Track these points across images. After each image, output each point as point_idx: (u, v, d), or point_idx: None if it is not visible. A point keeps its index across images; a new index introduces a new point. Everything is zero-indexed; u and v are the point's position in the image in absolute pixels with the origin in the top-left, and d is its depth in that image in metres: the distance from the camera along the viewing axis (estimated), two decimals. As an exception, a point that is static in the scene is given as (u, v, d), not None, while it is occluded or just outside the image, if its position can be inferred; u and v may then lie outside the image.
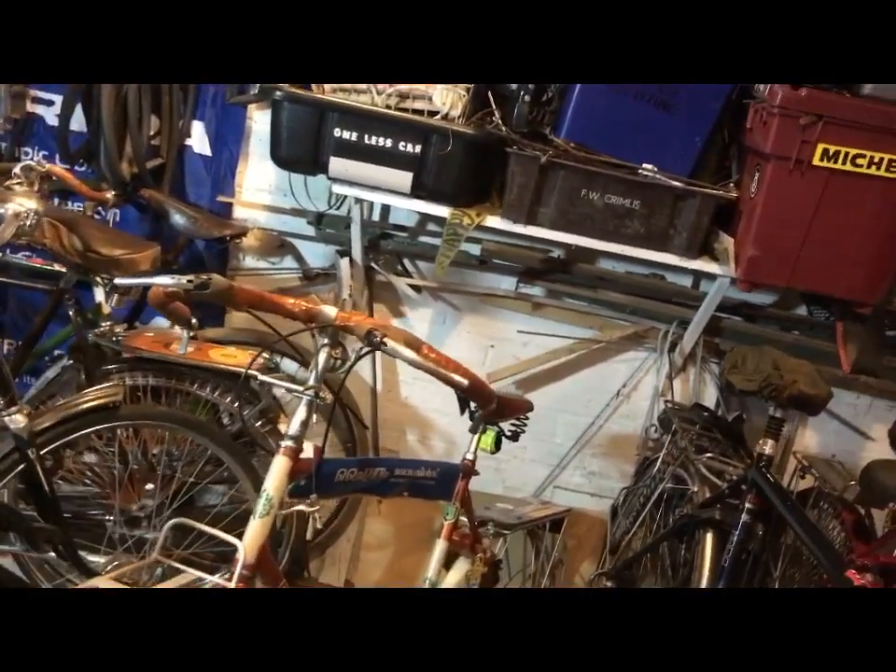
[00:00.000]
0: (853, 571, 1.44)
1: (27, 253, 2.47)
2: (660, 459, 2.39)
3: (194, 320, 2.28)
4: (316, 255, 2.74)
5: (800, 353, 2.42)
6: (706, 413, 2.47)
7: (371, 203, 2.60)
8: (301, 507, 1.45)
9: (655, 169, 2.13)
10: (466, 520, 1.96)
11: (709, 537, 1.99)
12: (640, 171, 2.11)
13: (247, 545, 1.36)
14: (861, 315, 2.08)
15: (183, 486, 2.23)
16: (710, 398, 2.73)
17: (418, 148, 2.14)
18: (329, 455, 2.74)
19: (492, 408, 1.66)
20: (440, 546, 1.84)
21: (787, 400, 1.87)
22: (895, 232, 1.92)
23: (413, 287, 2.66)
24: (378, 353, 2.79)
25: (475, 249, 2.60)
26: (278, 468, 1.42)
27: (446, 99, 2.11)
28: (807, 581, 2.04)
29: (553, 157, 2.11)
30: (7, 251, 2.51)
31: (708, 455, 2.13)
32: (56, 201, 2.65)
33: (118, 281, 1.53)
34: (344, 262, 2.57)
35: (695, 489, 2.13)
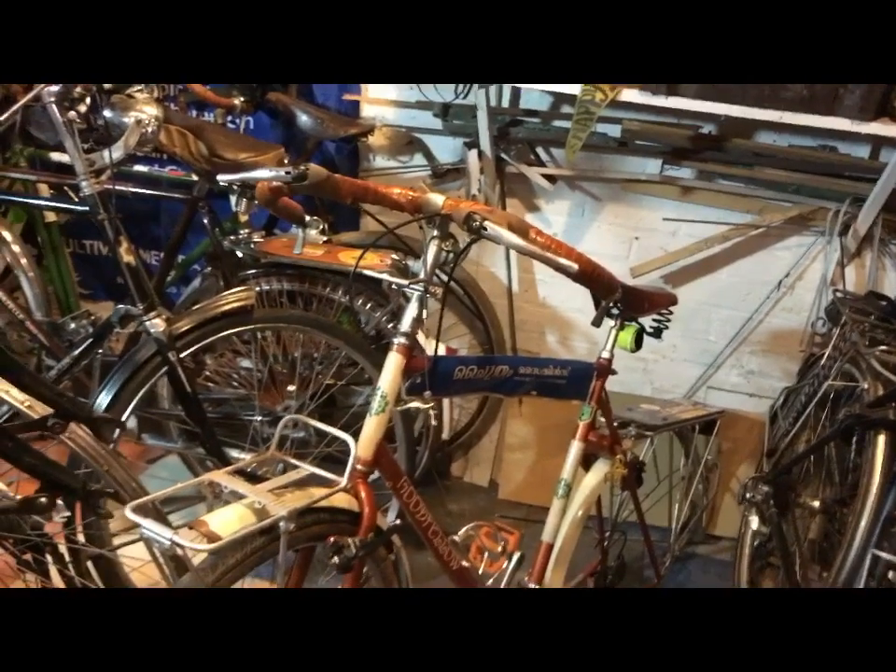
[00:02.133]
0: None
1: (172, 167, 2.56)
2: (826, 354, 2.14)
3: (323, 224, 2.31)
4: (446, 149, 2.63)
5: None
6: (883, 302, 2.17)
7: (500, 88, 2.44)
8: (416, 404, 1.40)
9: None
10: (604, 420, 1.87)
11: (881, 439, 1.76)
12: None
13: (363, 442, 1.34)
14: None
15: (322, 387, 2.28)
16: (891, 285, 2.40)
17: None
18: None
19: (616, 297, 1.52)
20: (575, 447, 1.76)
21: None
22: None
23: (547, 177, 2.50)
24: (513, 252, 2.72)
25: (615, 130, 2.39)
26: (391, 365, 1.37)
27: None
28: None
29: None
30: (154, 165, 2.62)
31: (883, 347, 1.87)
32: (194, 112, 2.72)
33: (219, 177, 1.50)
34: (472, 155, 2.45)
35: (866, 386, 1.88)
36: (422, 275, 1.38)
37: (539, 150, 2.55)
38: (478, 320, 2.65)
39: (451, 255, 1.39)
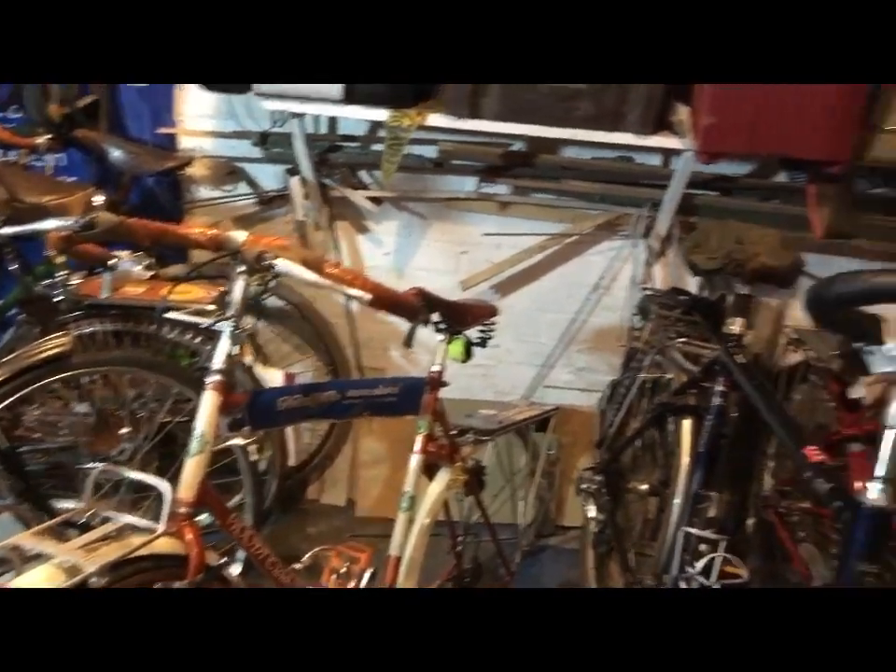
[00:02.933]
0: (812, 448, 1.37)
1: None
2: (639, 348, 2.32)
3: (148, 259, 2.26)
4: (270, 176, 2.64)
5: (781, 222, 2.30)
6: (684, 297, 2.38)
7: (317, 116, 2.48)
8: (235, 440, 1.41)
9: (599, 42, 1.97)
10: (442, 430, 1.94)
11: (686, 423, 1.94)
12: (582, 45, 1.96)
13: (184, 483, 1.34)
14: (834, 176, 1.94)
15: (157, 427, 2.23)
16: (692, 280, 2.63)
17: (345, 50, 2.00)
18: (313, 379, 2.75)
19: (421, 319, 1.59)
20: (415, 460, 1.81)
21: (751, 275, 1.77)
22: (853, 85, 1.77)
23: (372, 199, 2.56)
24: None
25: (432, 151, 2.48)
26: (207, 404, 1.37)
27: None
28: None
29: (489, 42, 1.96)
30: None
31: (682, 339, 2.05)
32: (-2, 153, 2.58)
33: (1, 231, 1.45)
34: (295, 182, 2.47)
35: (671, 376, 2.07)
36: (230, 311, 1.39)
37: (363, 173, 2.61)
38: (319, 341, 2.67)
39: (262, 287, 1.41)
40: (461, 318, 1.99)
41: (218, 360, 1.39)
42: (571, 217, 2.59)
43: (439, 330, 1.96)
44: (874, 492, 1.18)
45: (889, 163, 1.98)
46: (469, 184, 2.57)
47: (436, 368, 1.94)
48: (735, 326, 1.84)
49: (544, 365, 2.83)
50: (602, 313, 2.75)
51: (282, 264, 1.18)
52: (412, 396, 1.87)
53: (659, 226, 2.49)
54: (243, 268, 1.40)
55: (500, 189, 2.57)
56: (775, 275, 1.76)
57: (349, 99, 2.08)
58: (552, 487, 2.77)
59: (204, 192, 2.67)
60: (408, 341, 1.58)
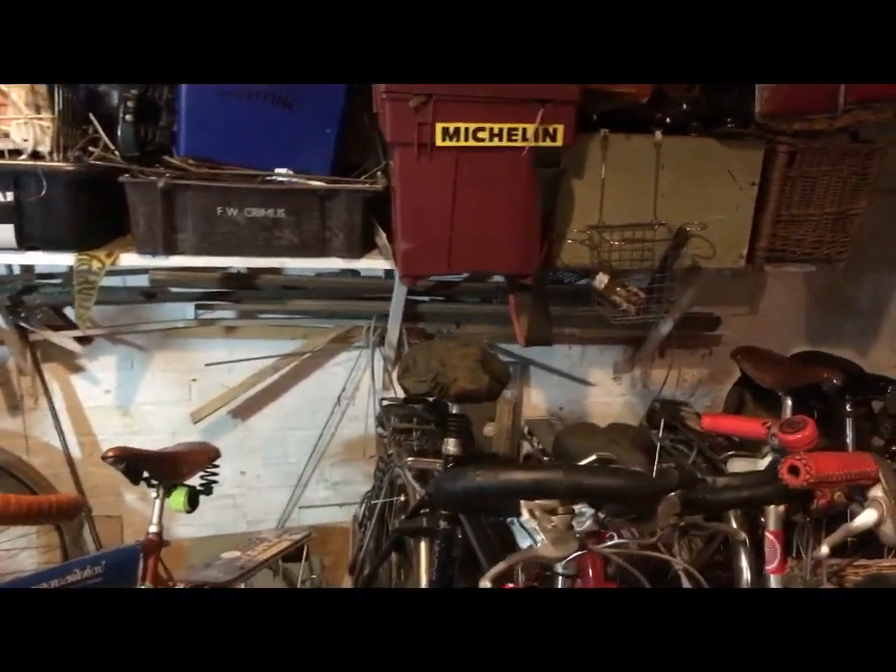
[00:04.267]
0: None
1: None
2: (376, 465, 2.28)
3: None
4: (-41, 325, 2.35)
5: (501, 321, 2.40)
6: (418, 406, 2.39)
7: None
8: None
9: (291, 172, 1.96)
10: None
11: (422, 545, 1.91)
12: (271, 177, 1.93)
13: None
14: (528, 286, 2.04)
15: None
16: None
17: (10, 196, 1.83)
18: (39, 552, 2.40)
19: (80, 517, 1.43)
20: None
21: (455, 398, 1.80)
22: (532, 200, 1.87)
23: (81, 338, 2.35)
24: (64, 417, 2.46)
25: (144, 280, 2.33)
26: None
27: (27, 134, 1.80)
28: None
29: (174, 178, 1.88)
30: None
31: (410, 459, 2.03)
32: None
33: None
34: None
35: (403, 498, 2.04)
36: None
37: (70, 310, 2.39)
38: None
39: None
40: (175, 470, 1.86)
41: None
42: (303, 333, 2.54)
43: (151, 486, 1.81)
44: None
45: (577, 267, 2.12)
46: (188, 310, 2.44)
47: (154, 529, 1.79)
48: (451, 447, 1.85)
49: (297, 485, 2.72)
50: (350, 423, 2.70)
51: None
52: (124, 569, 1.70)
53: (389, 334, 2.50)
54: None
55: (224, 313, 2.46)
56: (474, 398, 1.80)
57: (25, 244, 1.90)
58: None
59: None
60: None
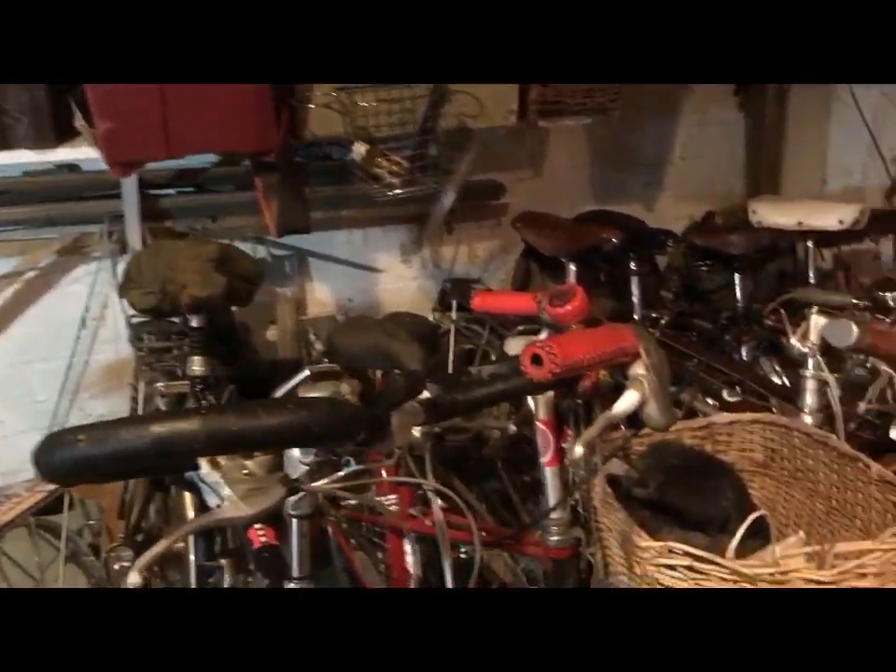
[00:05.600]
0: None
1: None
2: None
3: None
4: None
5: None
6: (177, 319, 2.06)
7: None
8: None
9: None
10: None
11: (187, 496, 1.66)
12: None
13: None
14: (275, 165, 1.74)
15: None
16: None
17: None
18: None
19: None
20: None
21: (188, 309, 1.50)
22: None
23: None
24: None
25: None
26: None
27: None
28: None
29: None
30: None
31: (161, 384, 1.72)
32: None
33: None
34: None
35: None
36: None
37: None
38: None
39: None
40: None
41: None
42: (20, 249, 2.10)
43: None
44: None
45: (329, 138, 1.83)
46: None
47: None
48: (195, 366, 1.57)
49: (52, 426, 2.34)
50: (104, 347, 2.33)
51: None
52: None
53: (130, 239, 2.11)
54: None
55: None
56: (211, 307, 1.51)
57: None
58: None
59: None
60: None
